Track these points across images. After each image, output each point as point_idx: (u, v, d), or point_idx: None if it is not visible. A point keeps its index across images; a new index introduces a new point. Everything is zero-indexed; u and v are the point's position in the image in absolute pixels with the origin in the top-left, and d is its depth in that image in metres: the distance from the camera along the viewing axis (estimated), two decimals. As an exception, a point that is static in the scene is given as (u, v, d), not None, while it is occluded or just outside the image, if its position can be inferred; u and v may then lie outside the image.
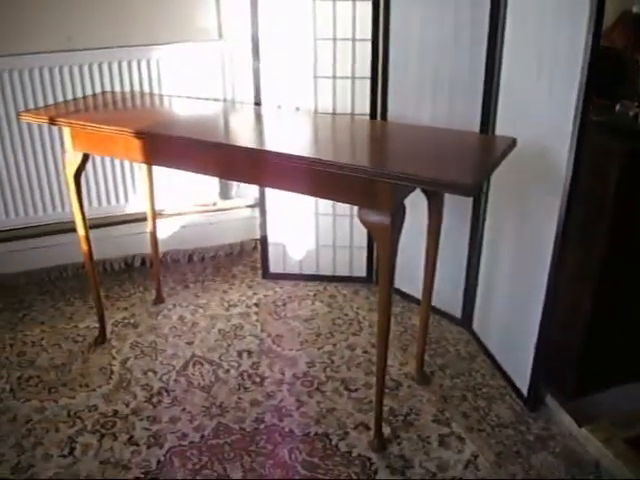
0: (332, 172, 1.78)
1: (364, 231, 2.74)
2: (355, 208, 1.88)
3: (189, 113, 2.48)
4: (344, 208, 2.85)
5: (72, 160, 2.31)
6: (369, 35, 2.63)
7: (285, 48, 2.72)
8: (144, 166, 2.61)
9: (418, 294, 2.44)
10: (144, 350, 2.59)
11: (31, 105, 2.80)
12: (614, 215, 1.99)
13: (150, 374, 2.44)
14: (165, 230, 3.18)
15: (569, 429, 2.15)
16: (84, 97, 2.73)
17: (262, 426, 2.18)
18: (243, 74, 2.94)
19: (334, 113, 2.77)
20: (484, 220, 2.50)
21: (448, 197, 2.13)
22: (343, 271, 3.07)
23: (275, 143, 2.09)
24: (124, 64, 2.87)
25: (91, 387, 2.38)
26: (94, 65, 2.84)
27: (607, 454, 2.01)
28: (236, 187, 3.26)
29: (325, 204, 2.90)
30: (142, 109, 2.57)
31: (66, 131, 2.26)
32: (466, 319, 2.69)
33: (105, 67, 2.85)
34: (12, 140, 2.84)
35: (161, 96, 2.84)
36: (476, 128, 2.38)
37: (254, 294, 3.01)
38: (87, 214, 2.46)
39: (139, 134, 2.08)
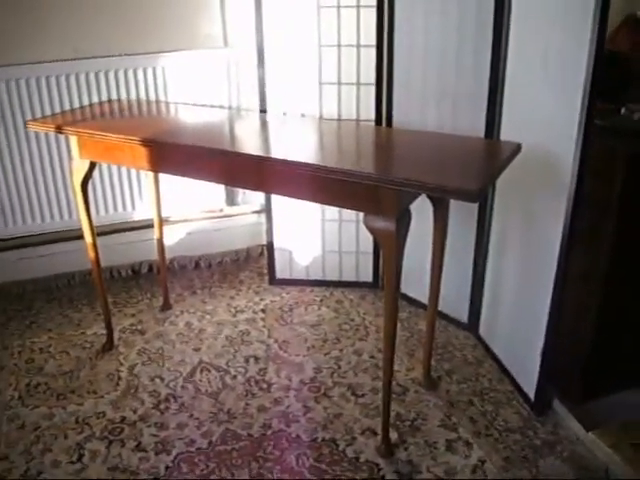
0: (337, 179, 1.78)
1: (370, 236, 2.72)
2: (361, 214, 1.88)
3: (195, 121, 2.49)
4: (350, 213, 2.85)
5: (79, 168, 2.32)
6: (373, 41, 2.64)
7: (290, 55, 2.73)
8: (150, 173, 2.63)
9: (424, 299, 2.44)
10: (151, 356, 2.59)
11: (38, 114, 2.82)
12: (620, 218, 1.99)
13: (157, 380, 2.45)
14: (172, 237, 3.19)
15: (577, 434, 2.15)
16: (91, 105, 2.74)
17: (269, 432, 2.19)
18: (248, 81, 2.95)
19: (339, 119, 2.78)
20: (490, 225, 2.50)
21: (454, 202, 2.14)
22: (349, 276, 3.07)
23: (280, 150, 2.10)
24: (130, 72, 2.89)
25: (99, 394, 2.39)
26: (100, 73, 2.86)
27: (615, 459, 2.00)
28: (242, 193, 3.27)
29: (331, 210, 2.91)
30: (148, 117, 2.59)
31: (73, 139, 2.28)
32: (473, 324, 2.69)
33: (111, 75, 2.87)
34: (20, 148, 2.86)
35: (167, 104, 2.86)
36: (481, 133, 2.39)
37: (261, 300, 3.01)
38: (94, 221, 2.47)
39: (145, 142, 2.09)
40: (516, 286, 2.34)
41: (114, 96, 2.89)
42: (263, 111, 2.81)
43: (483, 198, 2.43)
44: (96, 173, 2.90)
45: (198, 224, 3.29)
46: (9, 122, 2.81)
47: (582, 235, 2.03)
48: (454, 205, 2.17)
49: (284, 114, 2.79)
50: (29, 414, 2.29)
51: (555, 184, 2.00)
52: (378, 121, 2.75)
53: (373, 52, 2.66)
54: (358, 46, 2.67)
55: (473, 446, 2.11)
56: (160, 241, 2.81)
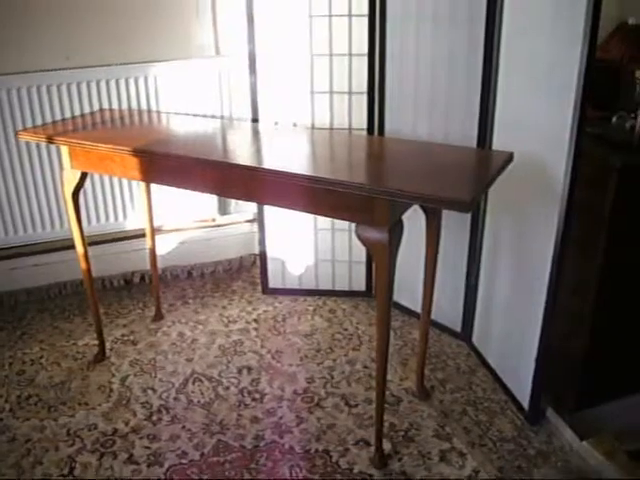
0: (329, 189, 1.78)
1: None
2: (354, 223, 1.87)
3: (187, 130, 2.48)
4: (343, 223, 2.84)
5: (70, 178, 2.31)
6: (365, 50, 2.64)
7: (282, 64, 2.73)
8: (142, 183, 2.62)
9: (418, 308, 2.44)
10: (143, 367, 2.58)
11: (29, 123, 2.80)
12: (611, 227, 1.98)
13: (150, 392, 2.44)
14: (164, 246, 3.18)
15: (571, 443, 2.14)
16: (82, 115, 2.74)
17: (262, 443, 2.17)
18: (240, 90, 2.95)
19: (331, 128, 2.78)
20: (482, 233, 2.49)
21: (446, 211, 2.13)
22: (342, 286, 3.06)
23: (272, 160, 2.09)
24: (122, 81, 2.88)
25: (90, 405, 2.37)
26: (92, 83, 2.85)
27: (610, 468, 2.00)
28: (235, 203, 3.26)
29: (324, 219, 2.89)
30: (140, 127, 2.57)
31: (64, 150, 2.27)
32: (466, 333, 2.68)
33: (103, 85, 2.86)
34: (11, 158, 2.85)
35: (159, 113, 2.85)
36: (473, 142, 2.39)
37: (253, 309, 3.00)
38: (86, 231, 2.47)
39: (137, 152, 2.09)
40: (509, 294, 2.33)
41: (106, 105, 2.88)
42: (255, 120, 2.80)
43: (475, 209, 2.43)
44: (88, 182, 2.88)
45: (190, 233, 3.28)
46: (0, 132, 2.80)
47: (575, 244, 2.03)
48: (447, 214, 2.16)
49: (276, 123, 2.79)
50: (20, 426, 2.27)
51: (547, 192, 2.00)
52: (370, 130, 2.75)
53: (365, 61, 2.66)
54: (350, 55, 2.67)
55: (467, 456, 2.11)
56: (152, 251, 2.80)
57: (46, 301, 3.10)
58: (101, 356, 2.63)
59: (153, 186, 2.64)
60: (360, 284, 3.05)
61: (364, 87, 2.70)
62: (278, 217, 2.95)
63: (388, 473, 2.05)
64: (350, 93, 2.72)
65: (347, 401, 2.37)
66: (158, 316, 2.92)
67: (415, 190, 1.68)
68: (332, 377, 2.50)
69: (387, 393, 2.26)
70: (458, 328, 2.71)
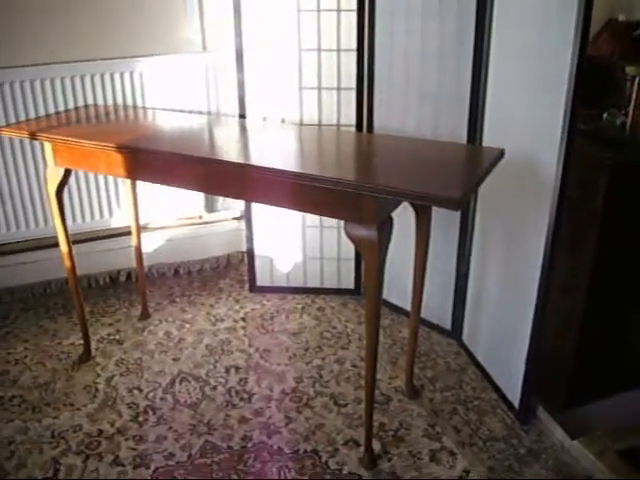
0: (318, 186, 1.75)
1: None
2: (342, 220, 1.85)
3: (173, 127, 2.44)
4: (331, 220, 2.82)
5: (54, 175, 2.27)
6: (354, 45, 2.61)
7: (270, 59, 2.70)
8: (128, 180, 2.58)
9: (407, 306, 2.41)
10: (130, 367, 2.54)
11: (12, 119, 2.75)
12: (603, 224, 1.97)
13: (136, 392, 2.40)
14: (150, 244, 3.14)
15: (561, 442, 2.13)
16: (66, 111, 2.69)
17: (250, 444, 2.14)
18: (227, 86, 2.91)
19: (320, 124, 2.75)
20: (472, 231, 2.47)
21: (436, 209, 2.11)
22: (331, 283, 3.04)
23: (260, 157, 2.06)
24: (107, 77, 2.84)
25: (75, 406, 2.33)
26: (76, 78, 2.80)
27: (600, 467, 1.99)
28: (222, 200, 3.23)
29: (312, 216, 2.87)
30: (125, 122, 2.53)
31: (47, 146, 2.23)
32: (456, 331, 2.66)
33: (87, 80, 2.81)
34: (-7, 155, 2.80)
35: (145, 109, 2.81)
36: (463, 138, 2.36)
37: (241, 308, 2.97)
38: (71, 229, 2.43)
39: (122, 149, 2.05)
40: (499, 293, 2.32)
41: (91, 101, 2.84)
42: (242, 116, 2.77)
43: (465, 206, 2.41)
44: (72, 179, 2.85)
45: (177, 231, 3.24)
46: (-18, 128, 2.75)
47: (565, 240, 2.02)
48: (436, 212, 2.14)
49: (264, 119, 2.76)
50: (3, 428, 2.23)
51: (538, 189, 1.98)
52: (359, 126, 2.72)
53: (354, 56, 2.63)
54: (338, 50, 2.64)
55: (457, 456, 2.09)
56: (138, 249, 2.77)
57: (30, 300, 3.05)
58: (86, 356, 2.60)
59: (139, 183, 2.61)
60: (349, 282, 3.02)
61: (353, 83, 2.67)
62: (266, 214, 2.92)
63: (378, 473, 2.03)
64: (339, 89, 2.70)
65: (336, 401, 2.34)
66: (144, 315, 2.89)
67: (404, 187, 1.66)
68: (321, 376, 2.48)
69: (376, 392, 2.25)
70: (448, 326, 2.70)
